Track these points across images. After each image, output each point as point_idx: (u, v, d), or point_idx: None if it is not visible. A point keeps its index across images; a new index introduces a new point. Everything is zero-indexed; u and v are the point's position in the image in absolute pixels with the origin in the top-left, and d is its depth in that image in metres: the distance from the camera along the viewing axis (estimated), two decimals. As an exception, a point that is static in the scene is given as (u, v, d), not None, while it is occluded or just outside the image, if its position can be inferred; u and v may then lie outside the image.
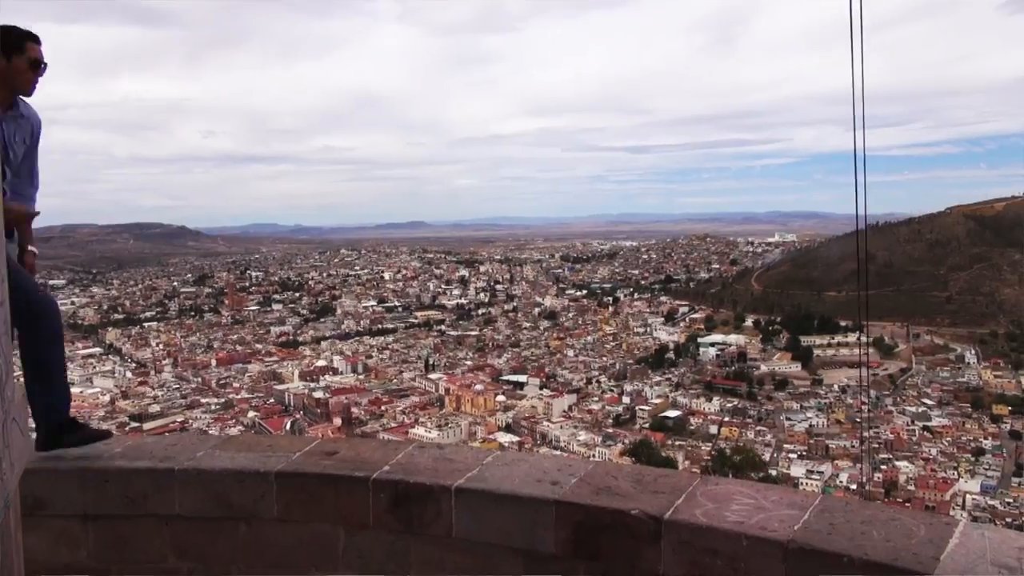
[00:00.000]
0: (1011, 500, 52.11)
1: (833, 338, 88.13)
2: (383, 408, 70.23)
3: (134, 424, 61.17)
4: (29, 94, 3.05)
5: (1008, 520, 45.95)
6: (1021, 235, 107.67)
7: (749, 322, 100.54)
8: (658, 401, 74.78)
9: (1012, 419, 68.37)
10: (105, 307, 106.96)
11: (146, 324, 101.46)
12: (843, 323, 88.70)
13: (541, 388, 78.62)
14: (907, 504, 46.63)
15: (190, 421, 63.45)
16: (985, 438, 64.69)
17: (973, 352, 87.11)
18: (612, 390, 79.08)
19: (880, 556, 2.04)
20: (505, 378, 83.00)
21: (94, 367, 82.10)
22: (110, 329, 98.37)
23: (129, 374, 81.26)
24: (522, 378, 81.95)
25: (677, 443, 62.20)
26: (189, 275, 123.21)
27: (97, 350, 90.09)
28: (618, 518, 2.45)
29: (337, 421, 65.09)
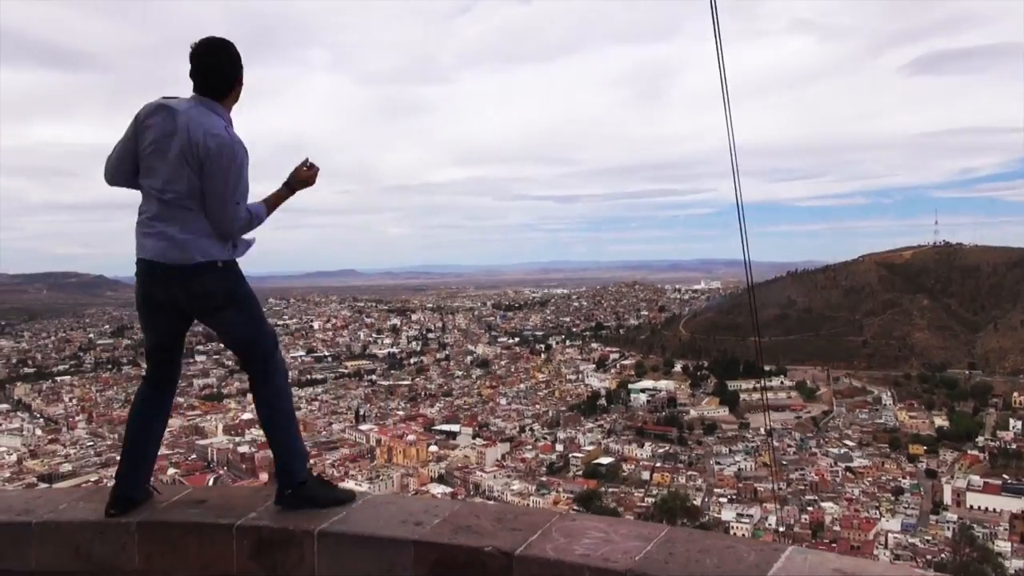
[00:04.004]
0: (930, 538, 53.55)
1: (759, 382, 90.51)
2: (312, 462, 67.45)
3: (43, 485, 57.78)
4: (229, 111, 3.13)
5: (928, 557, 47.20)
6: (927, 281, 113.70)
7: (678, 367, 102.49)
8: (591, 448, 74.97)
9: (927, 458, 71.19)
10: (14, 361, 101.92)
11: (58, 378, 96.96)
12: (767, 367, 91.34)
13: (474, 437, 77.98)
14: (833, 545, 47.53)
15: (104, 480, 60.25)
16: (903, 477, 67.00)
17: (889, 394, 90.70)
18: (545, 438, 78.97)
19: (708, 581, 2.13)
20: (438, 428, 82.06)
21: (0, 424, 77.72)
22: (19, 384, 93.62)
23: (39, 431, 77.22)
24: (455, 427, 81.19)
25: (610, 490, 62.10)
26: (107, 326, 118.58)
27: (4, 406, 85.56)
28: (473, 555, 2.49)
29: (264, 476, 62.79)
